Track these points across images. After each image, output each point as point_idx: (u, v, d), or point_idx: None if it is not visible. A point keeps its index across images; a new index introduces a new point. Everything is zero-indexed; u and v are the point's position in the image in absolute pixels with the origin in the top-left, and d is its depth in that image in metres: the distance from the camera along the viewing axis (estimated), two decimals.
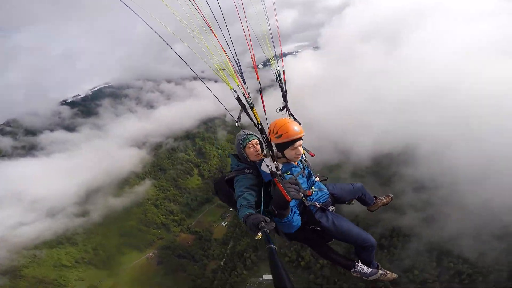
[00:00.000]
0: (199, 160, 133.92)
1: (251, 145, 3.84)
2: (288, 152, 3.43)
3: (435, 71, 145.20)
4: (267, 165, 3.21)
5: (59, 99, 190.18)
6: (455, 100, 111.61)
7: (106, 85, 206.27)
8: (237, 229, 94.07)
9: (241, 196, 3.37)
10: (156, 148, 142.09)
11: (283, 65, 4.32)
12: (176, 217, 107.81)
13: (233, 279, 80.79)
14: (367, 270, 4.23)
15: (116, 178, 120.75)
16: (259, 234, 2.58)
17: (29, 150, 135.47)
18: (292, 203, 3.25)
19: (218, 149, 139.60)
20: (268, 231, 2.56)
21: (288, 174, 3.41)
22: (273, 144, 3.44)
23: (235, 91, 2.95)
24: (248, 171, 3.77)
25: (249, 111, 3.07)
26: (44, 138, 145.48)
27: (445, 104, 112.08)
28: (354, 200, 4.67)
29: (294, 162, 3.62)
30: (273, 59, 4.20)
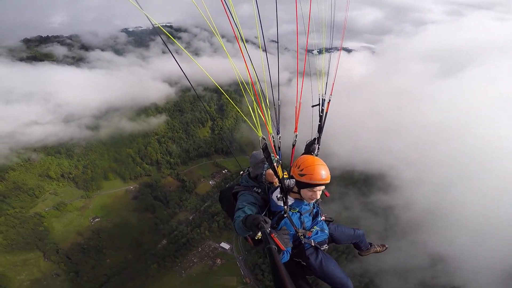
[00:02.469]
0: (217, 115, 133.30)
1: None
2: (305, 192, 3.37)
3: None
4: (277, 198, 3.34)
5: (122, 26, 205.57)
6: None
7: (167, 24, 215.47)
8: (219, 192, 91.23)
9: (241, 209, 3.40)
10: (185, 90, 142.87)
11: (331, 94, 4.15)
12: (172, 159, 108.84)
13: (192, 235, 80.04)
14: None
15: (137, 104, 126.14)
16: (259, 234, 2.59)
17: (77, 61, 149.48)
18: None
19: (238, 111, 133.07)
20: (268, 231, 2.56)
21: (296, 212, 3.51)
22: (291, 181, 3.38)
23: (264, 138, 2.86)
24: (257, 190, 3.84)
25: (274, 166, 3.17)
26: (94, 54, 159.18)
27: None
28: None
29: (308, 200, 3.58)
30: (322, 85, 4.00)
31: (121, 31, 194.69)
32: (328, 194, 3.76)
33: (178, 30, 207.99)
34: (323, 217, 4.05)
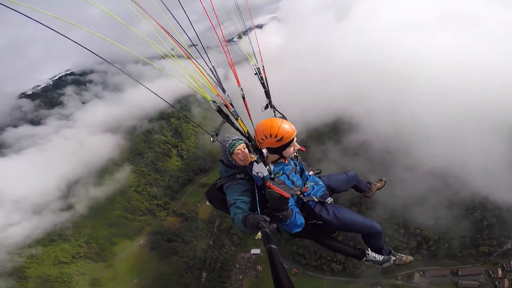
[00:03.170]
0: (176, 140, 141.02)
1: (238, 151, 3.90)
2: (288, 151, 3.64)
3: (374, 42, 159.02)
4: (257, 172, 3.42)
5: (17, 93, 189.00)
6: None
7: (67, 72, 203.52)
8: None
9: (234, 205, 3.50)
10: (131, 131, 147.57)
11: (262, 61, 4.45)
12: (160, 202, 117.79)
13: (223, 256, 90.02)
14: (379, 257, 4.47)
15: (94, 167, 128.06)
16: (259, 234, 2.74)
17: None
18: (291, 202, 3.40)
19: (195, 127, 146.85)
20: (268, 231, 2.69)
21: (281, 174, 3.66)
22: (264, 150, 3.48)
23: (214, 101, 2.93)
24: (239, 176, 3.87)
25: (234, 121, 3.14)
26: (9, 135, 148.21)
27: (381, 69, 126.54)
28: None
29: (285, 160, 3.81)
30: (251, 54, 4.30)
31: (21, 97, 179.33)
32: (303, 149, 4.03)
33: (83, 74, 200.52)
34: (311, 172, 4.35)
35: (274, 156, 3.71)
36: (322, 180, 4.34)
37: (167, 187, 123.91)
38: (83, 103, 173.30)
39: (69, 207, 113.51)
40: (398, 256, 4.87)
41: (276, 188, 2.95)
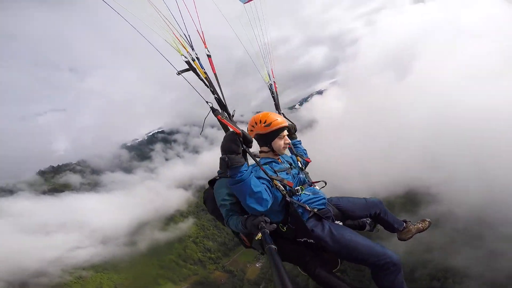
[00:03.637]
0: None
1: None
2: (277, 142, 3.33)
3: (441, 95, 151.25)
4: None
5: (119, 143, 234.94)
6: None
7: (159, 130, 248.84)
8: (269, 270, 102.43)
9: (226, 207, 3.18)
10: (200, 190, 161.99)
11: (273, 77, 4.62)
12: (213, 255, 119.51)
13: None
14: None
15: (163, 215, 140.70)
16: (259, 234, 2.63)
17: (94, 186, 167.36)
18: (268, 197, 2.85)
19: None
20: (268, 232, 2.60)
21: (266, 165, 3.25)
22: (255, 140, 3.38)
23: (184, 56, 3.00)
24: None
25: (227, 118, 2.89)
26: (106, 177, 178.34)
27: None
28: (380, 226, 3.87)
29: (278, 159, 3.45)
30: (265, 71, 4.44)
31: (121, 148, 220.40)
32: (309, 160, 4.05)
33: (171, 133, 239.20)
34: (315, 185, 3.77)
35: (265, 148, 3.42)
36: (331, 200, 3.53)
37: (222, 243, 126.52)
38: (167, 159, 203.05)
39: (132, 243, 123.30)
40: None
41: (225, 121, 2.70)
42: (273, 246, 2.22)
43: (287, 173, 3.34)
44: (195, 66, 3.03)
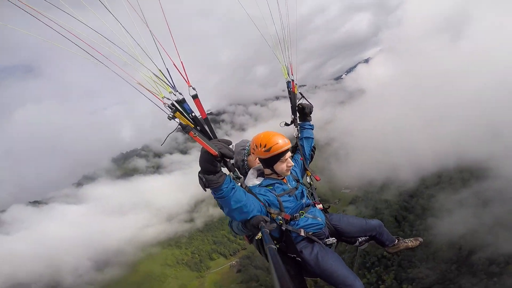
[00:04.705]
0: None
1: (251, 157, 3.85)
2: (279, 166, 3.36)
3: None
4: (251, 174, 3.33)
5: (173, 126, 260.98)
6: None
7: (208, 112, 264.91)
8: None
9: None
10: None
11: (292, 73, 4.26)
12: None
13: None
14: None
15: None
16: (259, 234, 2.71)
17: (157, 169, 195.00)
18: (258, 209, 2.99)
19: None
20: (268, 232, 2.69)
21: (269, 188, 3.32)
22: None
23: (165, 98, 2.57)
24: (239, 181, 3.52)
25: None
26: (166, 160, 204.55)
27: None
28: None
29: (283, 180, 3.50)
30: (284, 67, 4.20)
31: (177, 131, 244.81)
32: (318, 178, 4.07)
33: (218, 114, 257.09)
34: (319, 206, 3.85)
35: (267, 171, 3.46)
36: (332, 219, 3.86)
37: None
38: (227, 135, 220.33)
39: (191, 220, 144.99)
40: None
41: (200, 140, 2.50)
42: (273, 246, 2.27)
43: (289, 195, 3.42)
44: (175, 109, 2.64)
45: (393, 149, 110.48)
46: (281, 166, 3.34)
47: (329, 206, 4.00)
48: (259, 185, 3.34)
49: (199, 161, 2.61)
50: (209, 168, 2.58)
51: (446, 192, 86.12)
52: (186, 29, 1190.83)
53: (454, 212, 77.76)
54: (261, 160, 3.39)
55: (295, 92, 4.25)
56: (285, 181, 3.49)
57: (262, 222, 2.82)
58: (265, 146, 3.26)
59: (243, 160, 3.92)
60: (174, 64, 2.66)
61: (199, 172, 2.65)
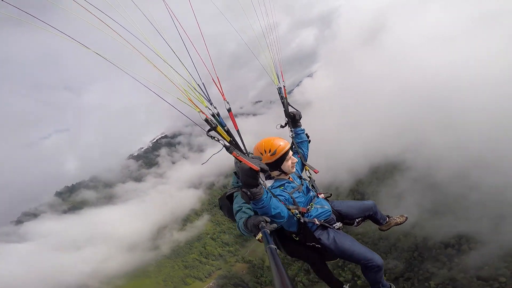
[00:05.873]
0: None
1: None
2: (285, 165, 3.75)
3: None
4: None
5: (126, 154, 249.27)
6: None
7: (162, 135, 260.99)
8: (287, 256, 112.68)
9: (240, 211, 3.63)
10: (210, 187, 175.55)
11: (283, 80, 4.64)
12: (231, 248, 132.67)
13: None
14: None
15: (179, 216, 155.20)
16: (260, 234, 2.82)
17: (110, 199, 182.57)
18: (283, 213, 3.32)
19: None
20: (268, 232, 2.80)
21: (282, 189, 3.72)
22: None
23: (201, 111, 3.10)
24: None
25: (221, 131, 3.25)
26: (119, 189, 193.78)
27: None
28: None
29: (289, 178, 3.93)
30: (274, 74, 4.49)
31: (129, 158, 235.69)
32: (317, 171, 4.46)
33: (174, 136, 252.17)
34: (321, 195, 4.33)
35: (276, 173, 3.86)
36: (334, 205, 4.37)
37: (239, 235, 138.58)
38: (173, 163, 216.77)
39: (156, 247, 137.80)
40: None
41: (242, 159, 2.82)
42: (273, 246, 2.31)
43: (299, 191, 3.91)
44: (216, 124, 3.15)
45: (332, 155, 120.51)
46: (287, 164, 3.78)
47: (330, 195, 4.52)
48: (271, 187, 3.72)
49: (241, 177, 2.95)
50: (252, 183, 2.95)
51: (382, 186, 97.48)
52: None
53: (397, 204, 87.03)
54: (268, 165, 3.65)
55: (286, 97, 4.72)
56: (291, 179, 3.98)
57: (262, 222, 3.00)
58: (270, 151, 3.69)
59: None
60: (213, 79, 3.28)
61: (241, 187, 2.99)
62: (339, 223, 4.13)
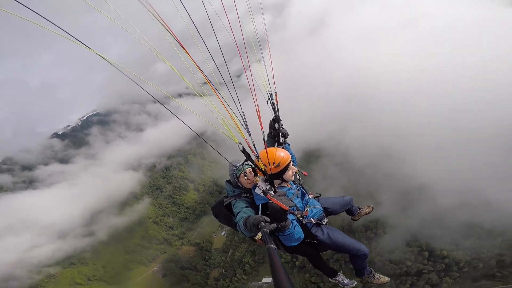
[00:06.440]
0: (193, 175, 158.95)
1: (245, 175, 4.48)
2: (287, 174, 4.29)
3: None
4: (259, 186, 3.84)
5: (49, 133, 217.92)
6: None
7: (94, 113, 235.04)
8: (235, 237, 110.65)
9: (241, 211, 4.02)
10: (151, 169, 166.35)
11: (275, 87, 5.06)
12: (176, 231, 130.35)
13: (234, 284, 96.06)
14: (346, 280, 5.40)
15: (116, 200, 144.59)
16: (259, 234, 3.01)
17: (30, 183, 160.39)
18: (291, 217, 4.07)
19: (210, 162, 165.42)
20: (268, 231, 2.98)
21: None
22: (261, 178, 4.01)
23: (240, 143, 3.46)
24: (245, 195, 4.49)
25: (254, 161, 3.72)
26: (41, 172, 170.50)
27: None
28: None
29: (287, 185, 4.52)
30: (265, 80, 4.82)
31: (52, 137, 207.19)
32: (306, 173, 4.98)
33: (108, 114, 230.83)
34: (311, 195, 4.93)
35: (277, 181, 4.31)
36: (321, 203, 4.97)
37: (184, 218, 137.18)
38: (107, 142, 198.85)
39: (91, 233, 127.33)
40: (376, 276, 5.53)
41: (276, 201, 3.31)
42: (273, 246, 2.41)
43: (297, 197, 4.54)
44: (249, 153, 3.59)
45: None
46: (288, 174, 4.33)
47: (320, 195, 5.16)
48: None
49: (272, 214, 3.45)
50: (282, 219, 3.53)
51: (313, 169, 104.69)
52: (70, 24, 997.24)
53: (328, 187, 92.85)
54: (272, 175, 4.10)
55: (277, 105, 5.25)
56: (289, 186, 4.59)
57: (262, 222, 3.21)
58: (274, 163, 4.12)
59: (235, 180, 4.66)
60: (257, 109, 3.87)
61: (271, 222, 3.35)
62: (326, 219, 4.80)
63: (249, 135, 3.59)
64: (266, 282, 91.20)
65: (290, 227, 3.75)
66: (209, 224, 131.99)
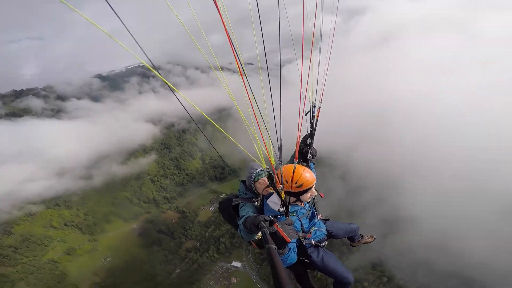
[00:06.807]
0: (203, 144, 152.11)
1: (262, 181, 4.59)
2: (305, 196, 4.19)
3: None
4: (272, 201, 3.98)
5: (94, 72, 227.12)
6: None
7: (140, 65, 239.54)
8: (221, 215, 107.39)
9: (246, 216, 3.89)
10: (168, 127, 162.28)
11: (321, 101, 4.83)
12: (168, 195, 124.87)
13: (203, 260, 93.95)
14: None
15: (125, 148, 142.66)
16: (259, 234, 3.02)
17: (57, 112, 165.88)
18: (292, 240, 3.72)
19: (224, 137, 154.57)
20: (268, 232, 2.90)
21: (294, 215, 4.26)
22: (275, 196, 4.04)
23: (268, 169, 3.71)
24: (255, 201, 4.59)
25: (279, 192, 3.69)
26: (71, 104, 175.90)
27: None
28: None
29: (301, 204, 4.37)
30: (312, 91, 4.64)
31: (95, 77, 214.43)
32: (323, 195, 4.73)
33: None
34: (320, 216, 4.89)
35: (292, 199, 4.13)
36: (326, 226, 4.97)
37: (180, 183, 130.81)
38: (140, 93, 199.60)
39: (88, 177, 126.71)
40: None
41: (281, 232, 3.10)
42: (273, 246, 2.41)
43: (307, 217, 4.55)
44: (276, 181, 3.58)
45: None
46: (306, 196, 4.20)
47: (329, 219, 5.09)
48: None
49: (275, 241, 3.02)
50: (281, 247, 3.27)
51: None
52: None
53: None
54: (289, 193, 3.96)
55: (317, 118, 5.10)
56: (302, 205, 4.42)
57: (262, 222, 3.02)
58: (296, 183, 3.96)
59: (251, 183, 4.70)
60: (299, 131, 4.05)
61: (275, 247, 2.84)
62: (326, 241, 4.86)
63: (280, 163, 3.54)
64: (234, 266, 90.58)
65: (286, 254, 3.68)
66: (201, 196, 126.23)
